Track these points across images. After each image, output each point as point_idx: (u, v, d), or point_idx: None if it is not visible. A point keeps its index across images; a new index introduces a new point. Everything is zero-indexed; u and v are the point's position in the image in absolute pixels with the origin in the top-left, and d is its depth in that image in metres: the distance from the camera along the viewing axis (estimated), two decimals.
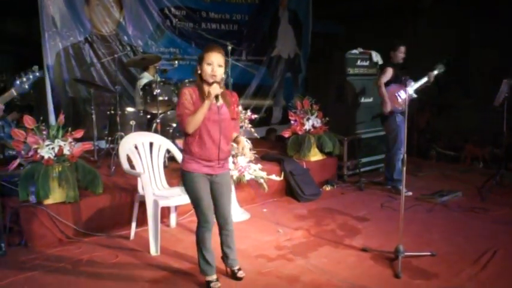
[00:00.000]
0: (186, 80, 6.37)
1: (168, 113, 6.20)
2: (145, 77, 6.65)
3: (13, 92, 3.83)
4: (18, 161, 4.34)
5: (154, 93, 5.95)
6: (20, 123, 6.31)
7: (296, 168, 6.10)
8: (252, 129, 5.50)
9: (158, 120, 5.91)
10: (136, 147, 4.47)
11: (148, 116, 6.25)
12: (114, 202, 4.72)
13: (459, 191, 5.97)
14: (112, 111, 6.11)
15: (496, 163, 6.72)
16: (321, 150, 6.56)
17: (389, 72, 5.94)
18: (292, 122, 6.54)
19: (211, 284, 3.45)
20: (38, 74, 3.92)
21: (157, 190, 4.46)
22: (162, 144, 4.68)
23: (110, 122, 6.14)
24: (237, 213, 5.07)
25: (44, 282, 3.61)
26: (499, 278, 3.67)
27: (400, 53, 6.00)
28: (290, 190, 5.97)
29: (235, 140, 3.42)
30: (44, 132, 4.35)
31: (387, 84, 5.95)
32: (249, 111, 5.60)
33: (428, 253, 4.07)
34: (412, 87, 5.84)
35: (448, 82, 6.60)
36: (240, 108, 5.34)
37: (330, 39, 10.25)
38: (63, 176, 4.35)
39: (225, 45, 6.05)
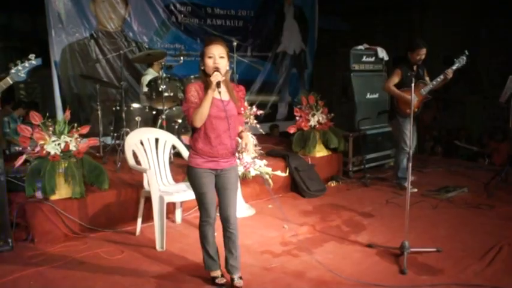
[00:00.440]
0: (192, 76, 6.37)
1: (174, 109, 6.21)
2: (150, 73, 6.66)
3: (9, 80, 3.74)
4: (24, 156, 4.34)
5: (160, 89, 5.96)
6: (26, 120, 6.36)
7: (301, 164, 6.10)
8: (257, 125, 5.50)
9: (164, 116, 5.92)
10: (142, 143, 4.48)
11: (154, 112, 6.26)
12: (120, 198, 4.74)
13: (465, 187, 5.94)
14: (117, 107, 6.13)
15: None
16: (326, 146, 6.56)
17: (396, 75, 5.75)
18: (297, 118, 6.53)
19: (216, 280, 3.47)
20: (34, 62, 3.82)
21: (162, 186, 4.47)
22: (168, 140, 4.68)
23: (116, 118, 6.15)
24: (242, 208, 5.08)
25: (50, 277, 3.63)
26: (505, 274, 3.65)
27: (417, 55, 5.64)
28: (295, 186, 5.96)
29: (240, 135, 3.38)
30: (50, 128, 4.36)
31: (399, 86, 5.72)
32: (254, 107, 5.60)
33: (434, 249, 4.06)
34: (426, 89, 5.62)
35: (457, 78, 6.53)
36: (246, 103, 5.36)
37: (336, 35, 10.22)
38: (69, 172, 4.36)
39: (230, 41, 6.04)
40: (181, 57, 6.61)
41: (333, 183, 6.39)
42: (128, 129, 5.67)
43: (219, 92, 3.10)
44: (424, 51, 5.64)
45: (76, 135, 4.49)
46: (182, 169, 5.37)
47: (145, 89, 6.40)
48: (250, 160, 5.08)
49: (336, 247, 4.25)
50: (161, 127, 5.72)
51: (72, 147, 4.42)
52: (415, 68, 5.74)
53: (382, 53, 7.32)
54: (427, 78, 5.79)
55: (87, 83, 7.11)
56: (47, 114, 4.44)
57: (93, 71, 7.26)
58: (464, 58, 5.52)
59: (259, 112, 5.60)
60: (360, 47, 7.24)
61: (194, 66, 7.16)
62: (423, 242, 4.21)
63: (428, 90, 5.66)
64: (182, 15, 8.10)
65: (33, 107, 8.15)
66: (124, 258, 3.99)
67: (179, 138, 5.36)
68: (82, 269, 3.78)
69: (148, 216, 4.49)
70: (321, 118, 6.44)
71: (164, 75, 6.03)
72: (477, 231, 4.55)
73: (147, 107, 6.24)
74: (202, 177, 3.27)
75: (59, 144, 4.34)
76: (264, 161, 5.24)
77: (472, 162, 7.64)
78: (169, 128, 5.81)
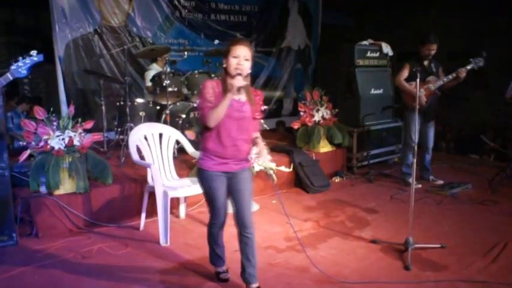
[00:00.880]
0: (196, 71, 6.37)
1: (178, 104, 6.20)
2: (154, 69, 6.67)
3: (9, 76, 3.65)
4: (28, 151, 4.35)
5: (164, 84, 5.96)
6: (30, 115, 6.36)
7: (305, 159, 6.09)
8: (262, 121, 5.48)
9: (168, 111, 5.92)
10: (146, 138, 4.48)
11: (158, 107, 6.26)
12: (124, 193, 4.74)
13: (469, 184, 5.93)
14: (121, 102, 6.13)
15: None
16: (331, 142, 6.56)
17: (405, 69, 5.73)
18: (301, 113, 6.52)
19: (221, 275, 3.47)
20: (35, 58, 3.70)
21: (166, 181, 4.47)
22: (172, 135, 4.68)
23: (120, 113, 6.16)
24: None
25: (54, 272, 3.64)
26: (509, 270, 3.65)
27: (427, 50, 5.62)
28: (299, 181, 5.96)
29: (254, 141, 3.25)
30: (54, 123, 4.37)
31: (407, 80, 5.71)
32: None
33: (438, 245, 4.05)
34: (435, 85, 5.57)
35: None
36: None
37: (340, 31, 10.18)
38: (73, 167, 4.37)
39: (234, 36, 6.04)
40: (185, 52, 6.62)
41: (337, 179, 6.39)
42: (132, 124, 5.66)
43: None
44: (434, 46, 5.60)
45: (80, 130, 4.49)
46: (186, 164, 5.38)
47: (149, 84, 6.40)
48: (255, 156, 5.06)
49: (340, 243, 4.25)
50: (165, 122, 5.71)
51: (76, 142, 4.42)
52: (426, 63, 5.73)
53: (386, 49, 7.30)
54: (441, 76, 5.74)
55: (91, 78, 7.11)
56: (51, 109, 4.44)
57: (97, 66, 7.25)
58: (482, 60, 5.45)
59: (264, 107, 5.58)
60: (365, 42, 7.22)
61: (198, 61, 7.18)
62: (427, 238, 4.21)
63: (438, 86, 5.60)
64: (186, 10, 8.07)
65: (37, 102, 8.16)
66: (128, 253, 4.00)
67: (183, 133, 5.35)
68: (86, 264, 3.79)
69: (152, 211, 4.50)
70: (325, 113, 6.44)
71: (168, 70, 6.03)
72: (481, 228, 4.54)
73: (151, 102, 6.24)
74: (213, 180, 3.15)
75: (63, 139, 4.35)
76: (269, 157, 5.22)
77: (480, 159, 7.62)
78: (173, 123, 5.80)
